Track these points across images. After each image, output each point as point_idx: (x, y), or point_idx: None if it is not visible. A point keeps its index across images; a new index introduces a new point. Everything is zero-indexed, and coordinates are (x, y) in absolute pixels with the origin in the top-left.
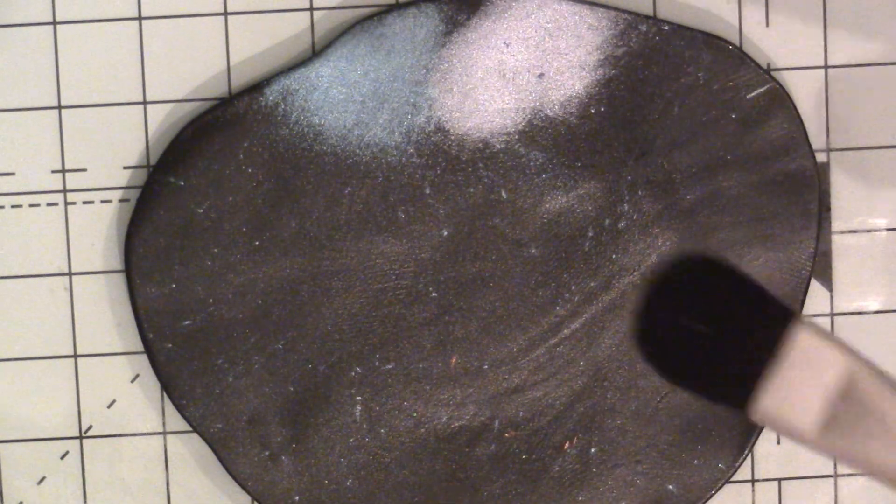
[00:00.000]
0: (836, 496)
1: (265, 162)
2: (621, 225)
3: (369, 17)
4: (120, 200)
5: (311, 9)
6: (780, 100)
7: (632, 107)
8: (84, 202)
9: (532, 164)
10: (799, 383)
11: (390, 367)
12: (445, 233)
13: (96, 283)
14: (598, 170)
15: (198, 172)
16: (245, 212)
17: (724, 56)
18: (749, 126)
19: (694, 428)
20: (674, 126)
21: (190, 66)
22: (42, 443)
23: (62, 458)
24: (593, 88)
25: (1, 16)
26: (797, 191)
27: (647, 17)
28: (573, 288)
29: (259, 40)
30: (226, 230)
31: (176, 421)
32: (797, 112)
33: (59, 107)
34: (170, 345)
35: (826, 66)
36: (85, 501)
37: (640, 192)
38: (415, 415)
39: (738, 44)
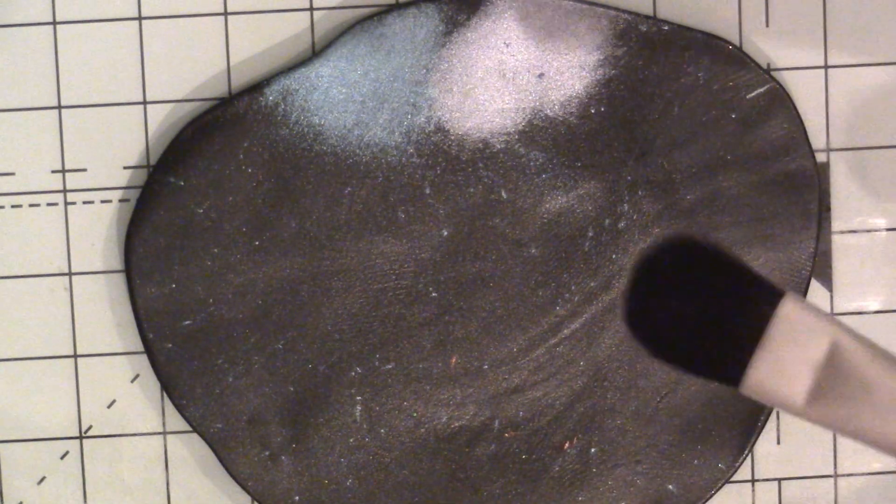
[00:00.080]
0: (836, 496)
1: (265, 162)
2: (621, 225)
3: (369, 17)
4: (120, 200)
5: (311, 9)
6: (780, 100)
7: (632, 107)
8: (84, 202)
9: (532, 164)
10: (786, 355)
11: (390, 367)
12: (445, 233)
13: (96, 283)
14: (598, 170)
15: (198, 172)
16: (245, 212)
17: (724, 56)
18: (749, 126)
19: (694, 428)
20: (674, 126)
21: (190, 66)
22: (42, 443)
23: (62, 458)
24: (593, 88)
25: (1, 16)
26: (797, 191)
27: (647, 17)
28: (573, 288)
29: (259, 40)
30: (226, 230)
31: (176, 421)
32: (797, 112)
33: (59, 107)
34: (170, 345)
35: (826, 66)
36: (85, 501)
37: (640, 192)
38: (415, 415)
39: (738, 44)
